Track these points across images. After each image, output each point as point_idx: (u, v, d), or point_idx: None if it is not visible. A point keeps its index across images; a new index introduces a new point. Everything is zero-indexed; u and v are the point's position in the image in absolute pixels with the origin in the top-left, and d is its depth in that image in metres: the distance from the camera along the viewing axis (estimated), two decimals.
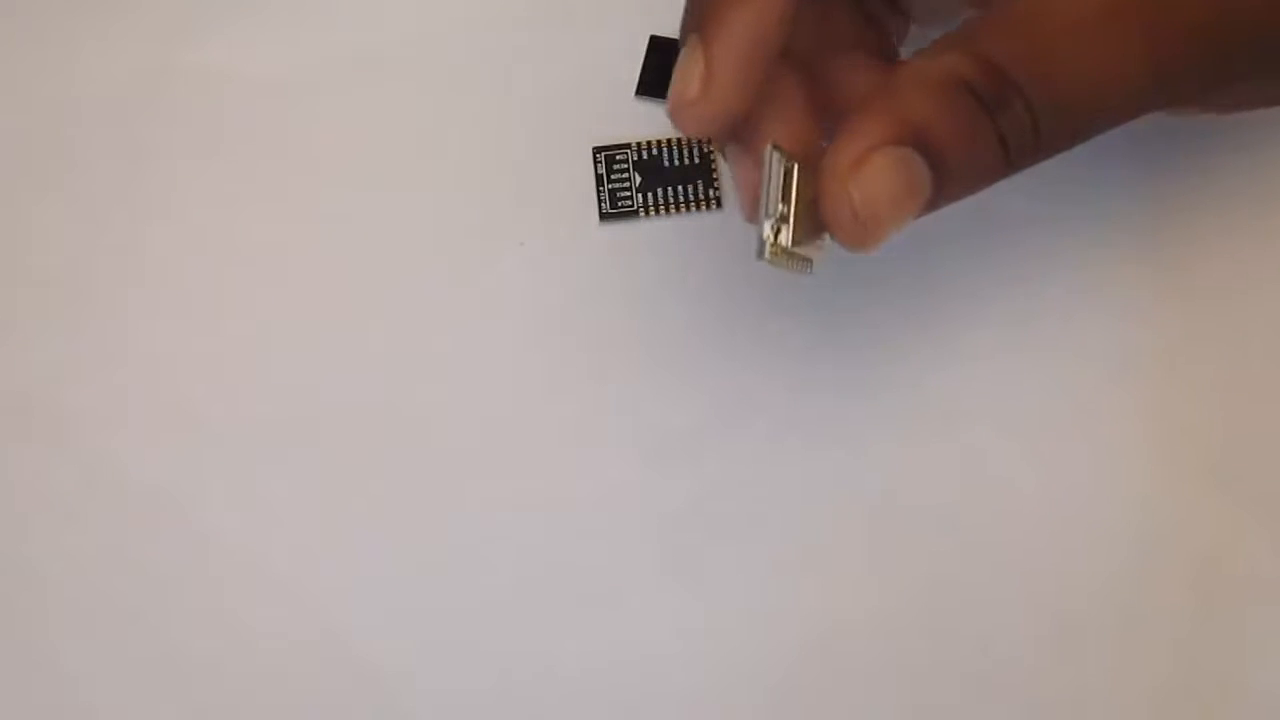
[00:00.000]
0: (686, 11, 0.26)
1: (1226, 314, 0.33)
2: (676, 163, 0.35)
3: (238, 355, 0.34)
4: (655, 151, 0.35)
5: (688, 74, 0.24)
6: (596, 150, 0.35)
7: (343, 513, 0.33)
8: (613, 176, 0.35)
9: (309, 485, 0.33)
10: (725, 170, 0.35)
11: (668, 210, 0.35)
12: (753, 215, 0.26)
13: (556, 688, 0.32)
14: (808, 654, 0.32)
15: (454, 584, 0.32)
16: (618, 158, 0.35)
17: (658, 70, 0.36)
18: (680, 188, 0.35)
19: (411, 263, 0.35)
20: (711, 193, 0.35)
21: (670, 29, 0.35)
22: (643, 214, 0.35)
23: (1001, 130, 0.23)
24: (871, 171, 0.22)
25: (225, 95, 0.36)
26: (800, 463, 0.33)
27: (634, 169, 0.35)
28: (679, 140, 0.35)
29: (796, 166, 0.23)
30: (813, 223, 0.23)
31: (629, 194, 0.35)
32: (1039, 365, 0.33)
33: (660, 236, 0.35)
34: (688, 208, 0.35)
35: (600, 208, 0.35)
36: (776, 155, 0.23)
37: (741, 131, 0.26)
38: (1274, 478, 0.32)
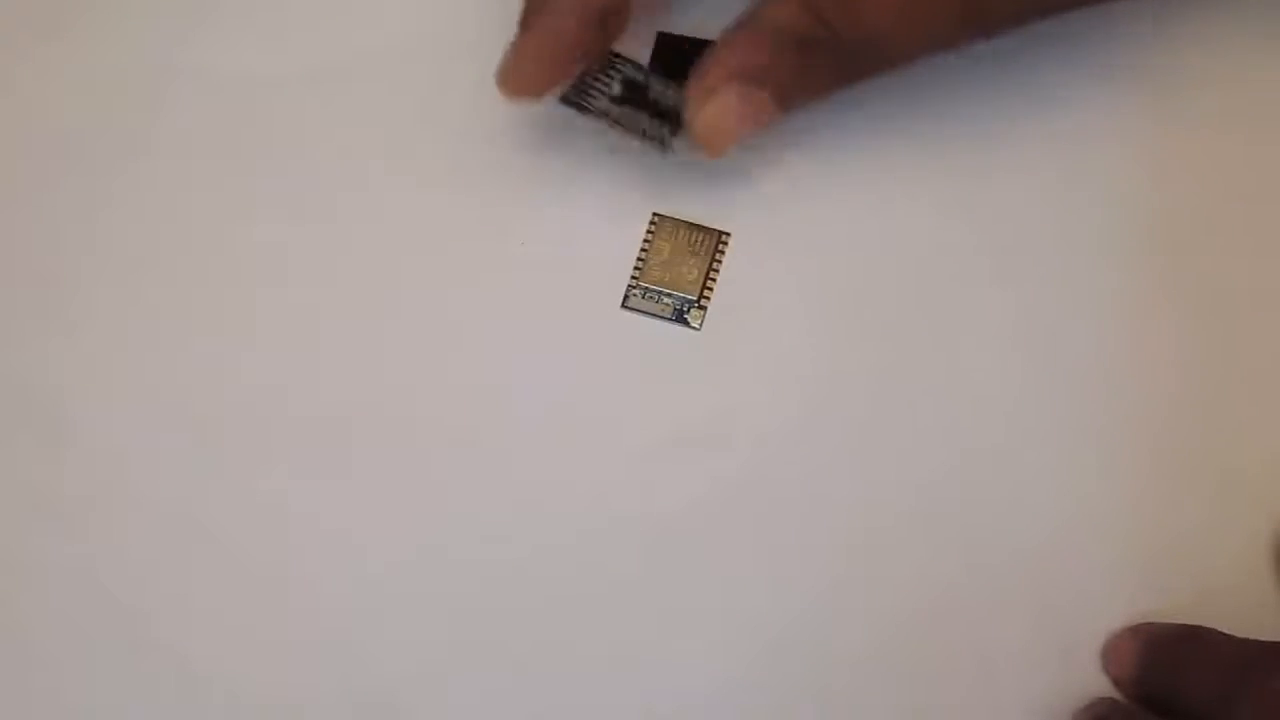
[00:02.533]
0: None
1: (1223, 322, 0.33)
2: None
3: (238, 355, 0.34)
4: None
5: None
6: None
7: (343, 512, 0.33)
8: None
9: (309, 485, 0.33)
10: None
11: None
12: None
13: (558, 686, 0.32)
14: (807, 654, 0.31)
15: (454, 584, 0.32)
16: None
17: (666, 66, 0.35)
18: None
19: (412, 262, 0.35)
20: None
21: (678, 26, 0.35)
22: None
23: (822, 62, 0.30)
24: (715, 102, 0.31)
25: (225, 95, 0.36)
26: (800, 463, 0.33)
27: None
28: None
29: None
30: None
31: None
32: (1038, 372, 0.33)
33: None
34: None
35: None
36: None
37: None
38: (1271, 484, 0.32)
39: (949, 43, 0.31)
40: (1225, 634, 0.29)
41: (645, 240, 0.34)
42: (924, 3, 0.30)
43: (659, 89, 0.33)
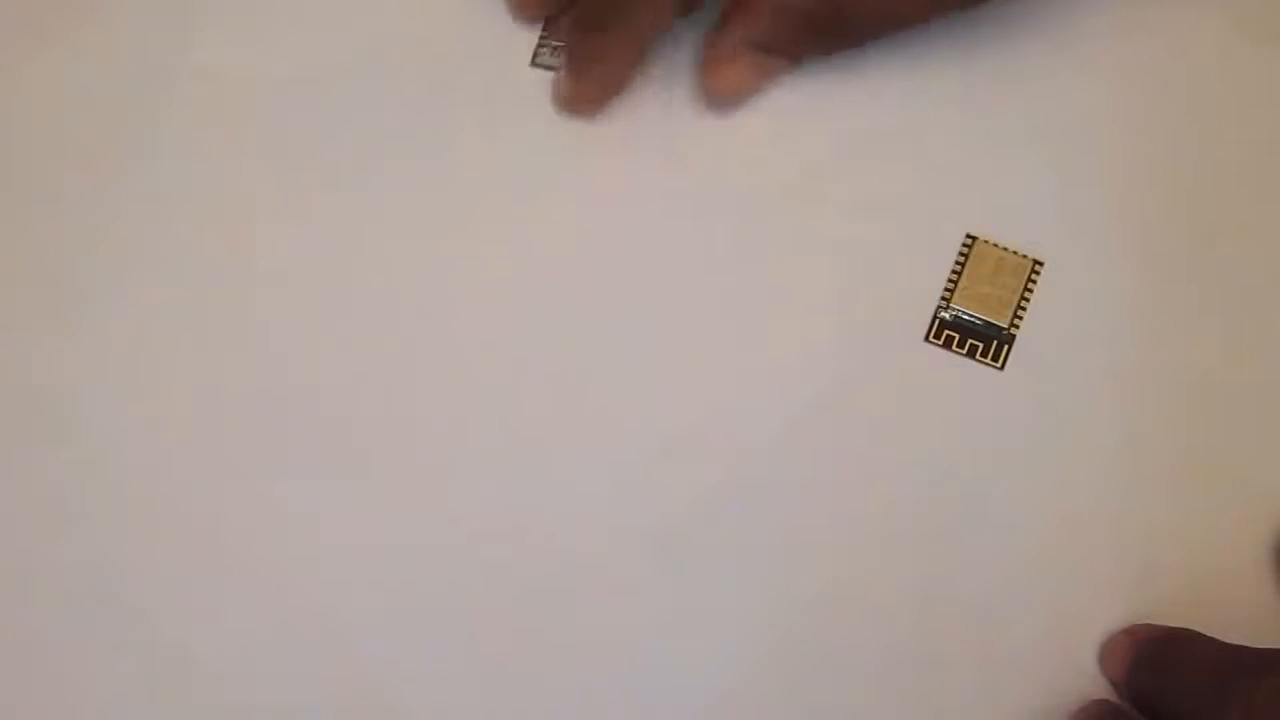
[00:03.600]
0: None
1: (1223, 323, 0.33)
2: None
3: (238, 355, 0.34)
4: None
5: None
6: None
7: (343, 512, 0.33)
8: None
9: (309, 485, 0.33)
10: None
11: None
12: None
13: (557, 687, 0.32)
14: (806, 654, 0.32)
15: (454, 584, 0.32)
16: None
17: None
18: None
19: (412, 263, 0.35)
20: None
21: None
22: None
23: (824, 26, 0.33)
24: (730, 69, 0.34)
25: (225, 95, 0.36)
26: (800, 464, 0.33)
27: None
28: None
29: None
30: None
31: None
32: (1039, 374, 0.33)
33: None
34: None
35: None
36: None
37: None
38: (1271, 486, 0.32)
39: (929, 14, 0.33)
40: (1214, 639, 0.29)
41: None
42: None
43: None
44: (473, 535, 0.33)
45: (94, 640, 0.32)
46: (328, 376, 0.34)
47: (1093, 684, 0.31)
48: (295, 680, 0.32)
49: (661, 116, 0.35)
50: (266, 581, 0.33)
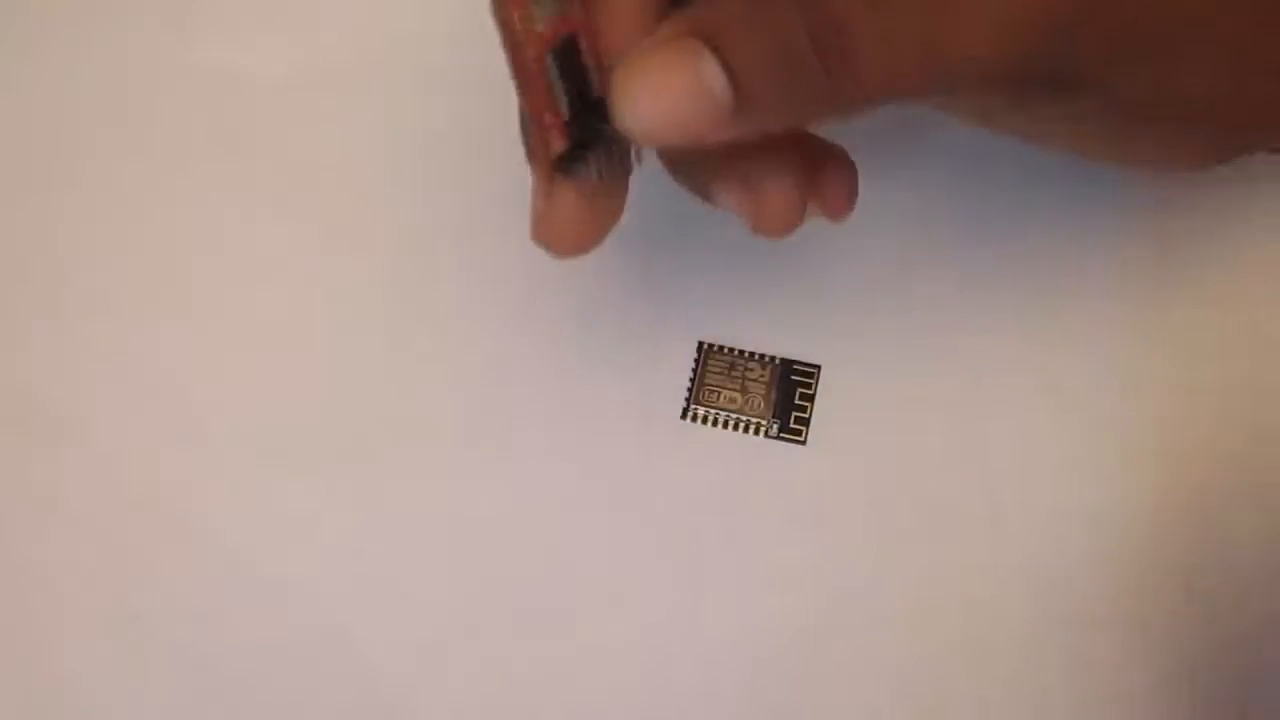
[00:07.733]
0: None
1: (1233, 325, 0.33)
2: None
3: (238, 355, 0.34)
4: None
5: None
6: None
7: (343, 513, 0.33)
8: None
9: (309, 485, 0.33)
10: None
11: None
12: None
13: (556, 687, 0.32)
14: (804, 654, 0.32)
15: (455, 584, 0.32)
16: None
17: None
18: None
19: (413, 264, 0.35)
20: None
21: None
22: None
23: (818, 54, 0.20)
24: (655, 74, 0.20)
25: (225, 95, 0.36)
26: (799, 465, 0.33)
27: None
28: None
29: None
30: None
31: None
32: (1044, 368, 0.33)
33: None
34: None
35: None
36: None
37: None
38: (1268, 484, 0.32)
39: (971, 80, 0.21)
40: None
41: None
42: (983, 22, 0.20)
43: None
44: (473, 535, 0.33)
45: (93, 639, 0.32)
46: (326, 375, 0.34)
47: (1091, 684, 0.31)
48: (297, 681, 0.32)
49: None
50: (267, 582, 0.33)
